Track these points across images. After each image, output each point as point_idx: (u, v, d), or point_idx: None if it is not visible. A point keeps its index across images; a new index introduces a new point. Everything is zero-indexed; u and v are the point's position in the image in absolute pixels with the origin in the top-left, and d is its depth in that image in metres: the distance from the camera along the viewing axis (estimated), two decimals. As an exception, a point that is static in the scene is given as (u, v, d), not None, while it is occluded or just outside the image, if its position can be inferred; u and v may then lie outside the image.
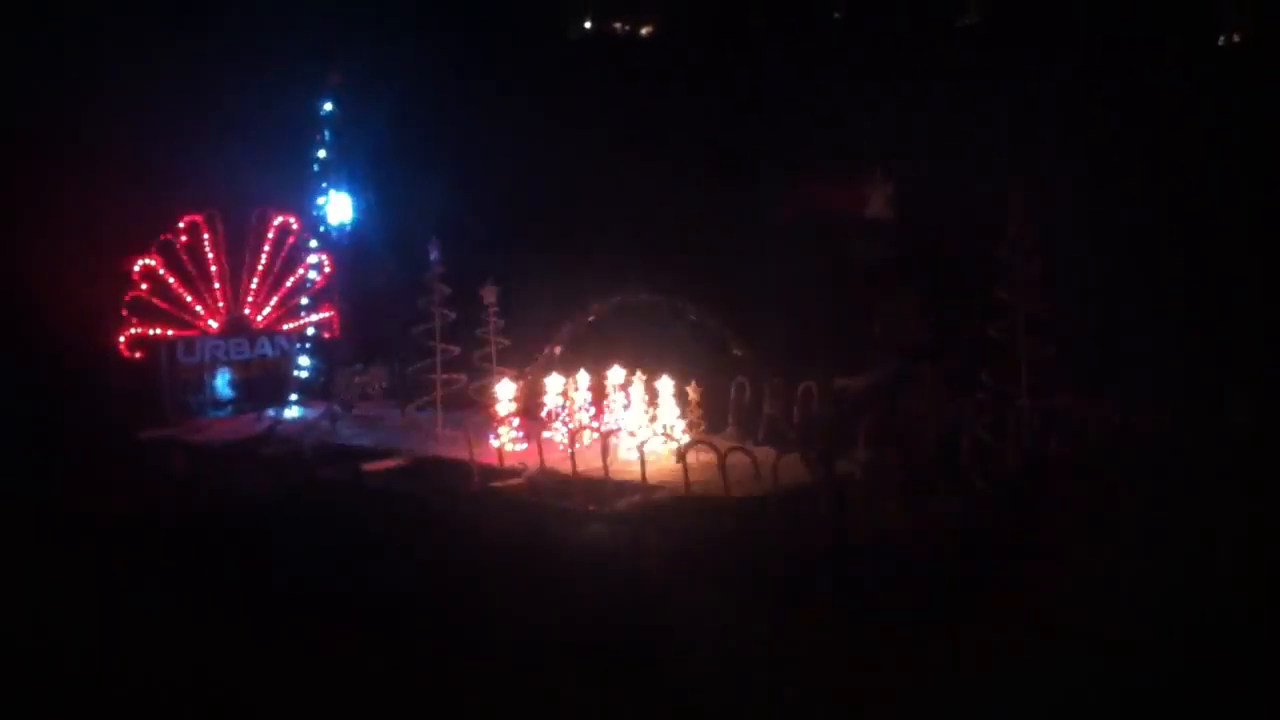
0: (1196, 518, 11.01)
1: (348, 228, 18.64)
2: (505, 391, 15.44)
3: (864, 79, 23.40)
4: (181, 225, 19.42)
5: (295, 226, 19.11)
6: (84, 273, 19.52)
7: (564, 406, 15.46)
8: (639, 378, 15.46)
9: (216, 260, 19.68)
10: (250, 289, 19.90)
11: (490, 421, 15.30)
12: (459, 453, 14.59)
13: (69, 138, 21.61)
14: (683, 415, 15.38)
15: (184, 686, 11.30)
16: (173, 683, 11.37)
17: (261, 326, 19.88)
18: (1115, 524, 11.35)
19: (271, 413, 18.42)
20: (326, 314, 19.57)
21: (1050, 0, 23.19)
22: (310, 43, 20.01)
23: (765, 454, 12.78)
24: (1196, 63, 22.01)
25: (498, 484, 13.88)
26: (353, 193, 18.62)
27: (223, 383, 19.59)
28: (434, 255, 16.92)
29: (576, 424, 14.93)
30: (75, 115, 22.07)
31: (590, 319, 15.76)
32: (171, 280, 19.34)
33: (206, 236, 19.56)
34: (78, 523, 16.86)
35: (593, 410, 15.52)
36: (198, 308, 19.53)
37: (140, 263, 19.19)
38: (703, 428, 15.26)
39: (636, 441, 13.44)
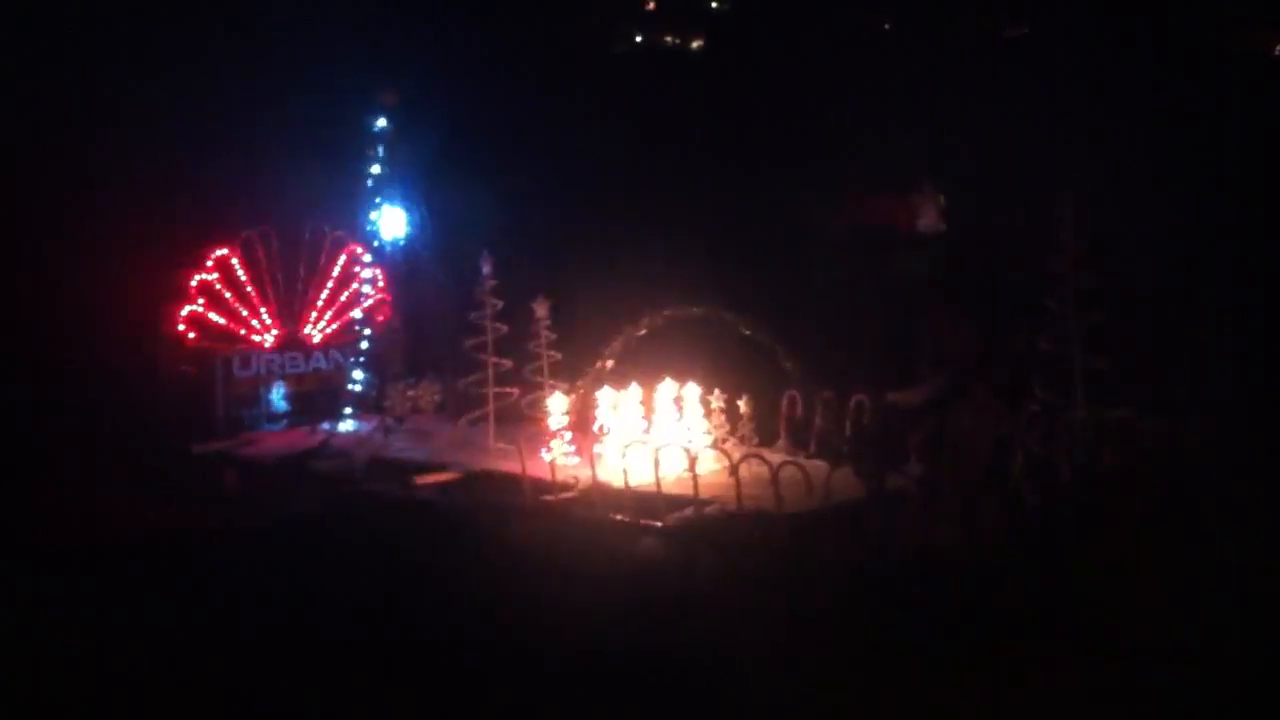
0: (1248, 529, 10.89)
1: (401, 242, 18.78)
2: (558, 405, 15.52)
3: (913, 89, 23.34)
4: (237, 241, 19.63)
5: (349, 241, 19.26)
6: (139, 288, 19.80)
7: (615, 420, 15.52)
8: (691, 390, 15.54)
9: (271, 275, 19.88)
10: (305, 304, 20.09)
11: (543, 435, 15.36)
12: (511, 466, 14.66)
13: (124, 155, 21.94)
14: (733, 429, 15.43)
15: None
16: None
17: (316, 341, 20.04)
18: (1171, 537, 11.24)
19: (326, 426, 18.56)
20: (380, 328, 19.64)
21: (1100, 8, 23.05)
22: (363, 59, 20.23)
23: (817, 468, 12.77)
24: (1251, 68, 21.79)
25: (549, 497, 13.94)
26: (406, 208, 18.75)
27: (277, 396, 19.76)
28: (486, 269, 17.03)
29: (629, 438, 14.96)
30: (130, 132, 22.41)
31: (641, 332, 15.80)
32: (227, 295, 19.56)
33: (261, 252, 19.75)
34: (129, 533, 17.19)
35: (645, 424, 15.58)
36: (253, 322, 19.73)
37: (196, 278, 19.41)
38: (755, 441, 15.30)
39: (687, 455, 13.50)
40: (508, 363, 16.93)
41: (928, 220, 21.80)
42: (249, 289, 19.73)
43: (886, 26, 26.84)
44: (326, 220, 19.90)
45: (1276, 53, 22.49)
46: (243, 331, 19.64)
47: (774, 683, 10.26)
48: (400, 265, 19.03)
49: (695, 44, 29.39)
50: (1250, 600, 10.22)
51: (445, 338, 18.69)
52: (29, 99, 23.00)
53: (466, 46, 25.68)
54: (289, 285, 20.03)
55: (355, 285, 19.63)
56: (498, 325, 16.97)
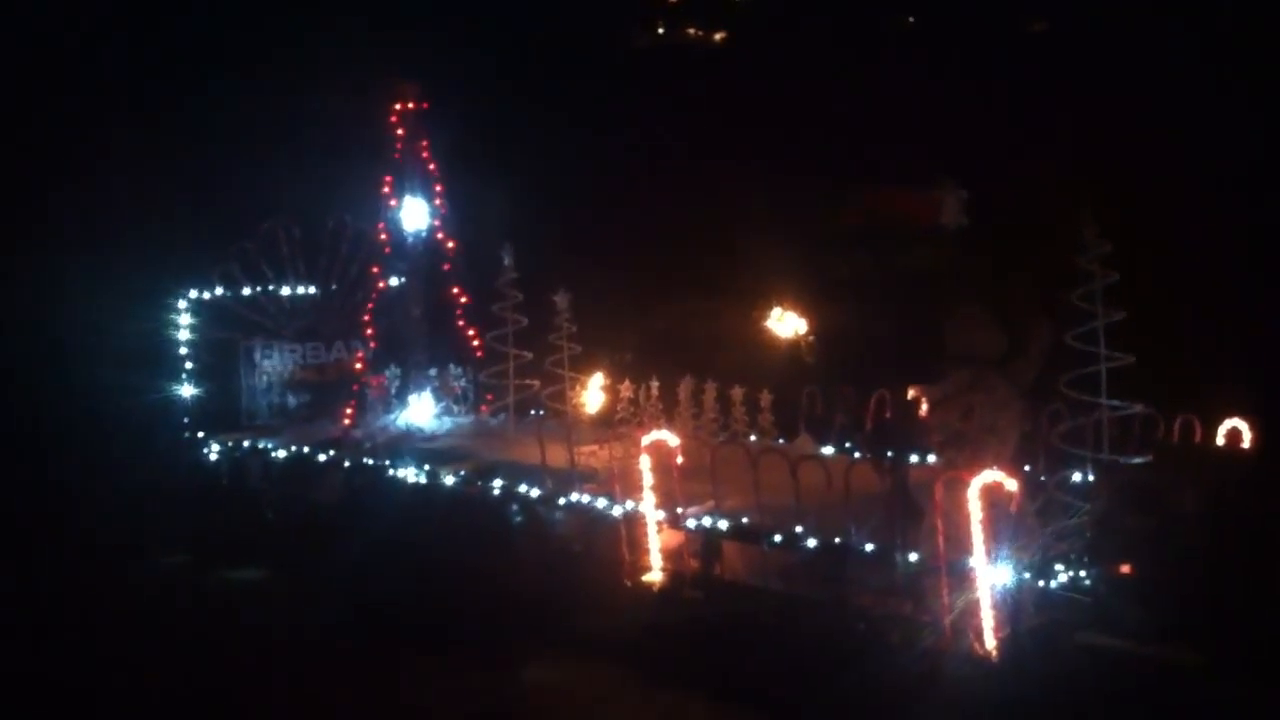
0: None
1: (423, 234, 18.77)
2: (586, 397, 15.55)
3: (936, 84, 23.25)
4: (260, 232, 19.69)
5: (370, 233, 19.26)
6: (165, 279, 19.85)
7: (634, 413, 15.50)
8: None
9: (293, 266, 19.93)
10: (327, 294, 20.13)
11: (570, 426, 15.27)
12: (531, 456, 14.67)
13: (152, 149, 22.09)
14: (753, 423, 15.41)
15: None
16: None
17: (338, 330, 20.06)
18: (1196, 533, 11.15)
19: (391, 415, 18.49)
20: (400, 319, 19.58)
21: (1121, 7, 22.92)
22: (386, 52, 20.28)
23: (838, 462, 12.75)
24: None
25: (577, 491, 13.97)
26: (427, 200, 18.75)
27: (299, 386, 19.81)
28: (506, 261, 17.02)
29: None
30: (159, 126, 22.57)
31: (662, 325, 15.81)
32: (251, 285, 19.63)
33: (284, 243, 19.80)
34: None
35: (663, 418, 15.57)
36: (275, 312, 19.78)
37: (220, 268, 19.48)
38: (774, 435, 15.29)
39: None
40: (529, 354, 16.95)
41: (950, 215, 21.65)
42: (271, 279, 19.79)
43: (911, 20, 26.77)
44: (349, 212, 19.94)
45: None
46: (265, 322, 19.69)
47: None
48: (422, 257, 19.00)
49: (718, 37, 29.34)
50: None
51: (466, 329, 18.74)
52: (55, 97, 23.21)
53: (489, 40, 25.71)
54: (311, 276, 20.09)
55: (376, 275, 19.55)
56: (518, 317, 16.99)
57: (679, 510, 12.82)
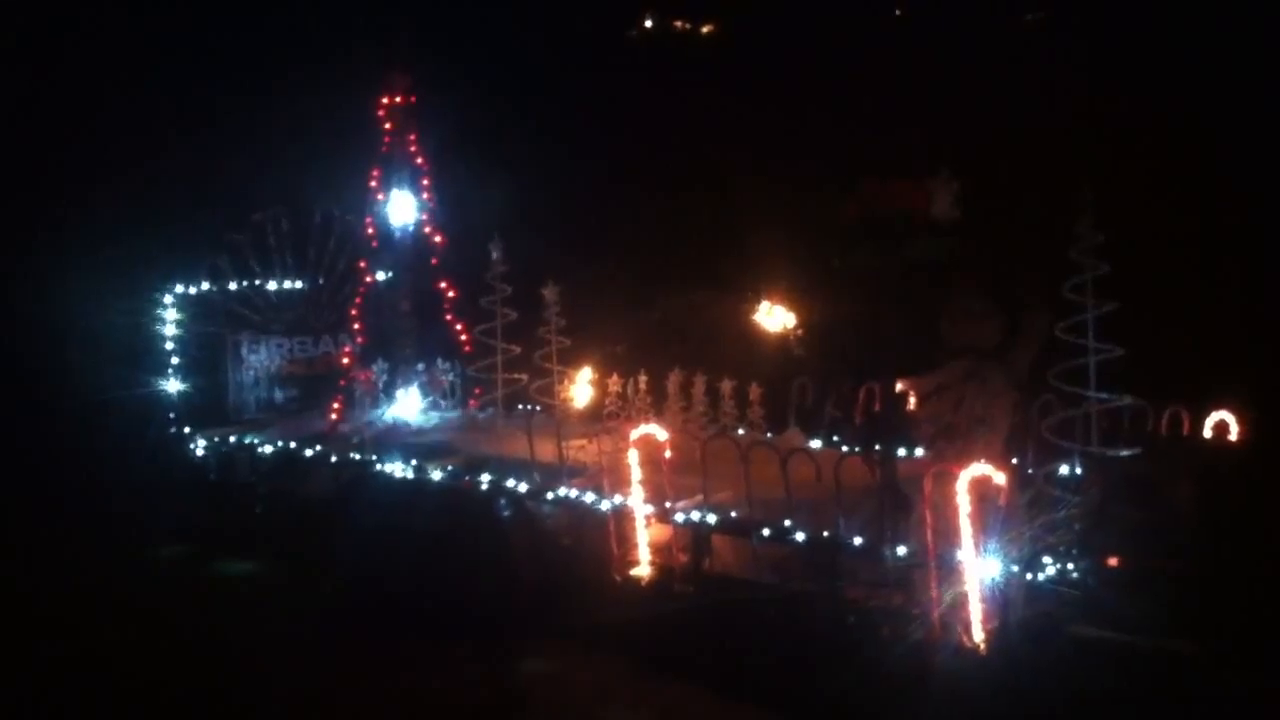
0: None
1: (410, 228, 18.66)
2: (575, 391, 15.47)
3: (928, 74, 23.18)
4: (248, 225, 19.61)
5: (358, 226, 19.17)
6: (150, 272, 19.76)
7: (623, 407, 15.43)
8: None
9: (281, 259, 19.84)
10: (314, 287, 20.04)
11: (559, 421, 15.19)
12: (519, 451, 14.59)
13: (136, 142, 21.99)
14: (741, 415, 15.35)
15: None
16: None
17: (325, 325, 19.98)
18: (1183, 529, 11.11)
19: (381, 410, 18.40)
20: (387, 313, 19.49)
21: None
22: (374, 43, 20.17)
23: (827, 456, 12.68)
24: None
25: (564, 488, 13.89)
26: (415, 192, 18.64)
27: (286, 380, 19.73)
28: (495, 255, 16.94)
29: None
30: (145, 118, 22.47)
31: (652, 318, 15.74)
32: (237, 279, 19.54)
33: (273, 236, 19.72)
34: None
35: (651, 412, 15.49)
36: (263, 306, 19.70)
37: (209, 262, 19.40)
38: (764, 429, 15.23)
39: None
40: (517, 348, 16.89)
41: (943, 207, 21.59)
42: (259, 272, 19.71)
43: (898, 12, 26.71)
44: (337, 204, 19.86)
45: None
46: (252, 315, 19.60)
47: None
48: (410, 250, 18.90)
49: (706, 29, 29.27)
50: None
51: (455, 322, 18.65)
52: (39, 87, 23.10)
53: (478, 31, 25.61)
54: (299, 269, 20.00)
55: (363, 268, 19.48)
56: (507, 311, 16.93)
57: (667, 504, 12.75)
